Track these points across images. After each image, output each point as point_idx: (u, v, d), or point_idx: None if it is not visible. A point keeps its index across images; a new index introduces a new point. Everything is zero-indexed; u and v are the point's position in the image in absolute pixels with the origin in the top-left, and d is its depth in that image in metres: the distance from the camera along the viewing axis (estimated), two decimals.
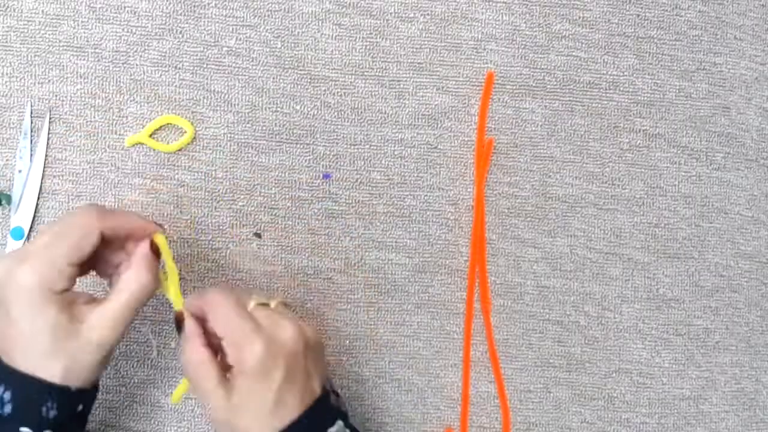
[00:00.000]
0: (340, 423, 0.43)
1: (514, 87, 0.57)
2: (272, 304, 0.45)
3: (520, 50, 0.58)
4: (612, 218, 0.58)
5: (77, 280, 0.42)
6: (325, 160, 0.55)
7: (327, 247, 0.55)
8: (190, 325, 0.43)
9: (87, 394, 0.42)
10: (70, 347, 0.39)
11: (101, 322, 0.40)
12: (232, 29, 0.55)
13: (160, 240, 0.44)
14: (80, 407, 0.42)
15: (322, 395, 0.43)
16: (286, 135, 0.55)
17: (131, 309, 0.41)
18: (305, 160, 0.55)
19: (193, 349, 0.42)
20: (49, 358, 0.39)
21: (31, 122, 0.53)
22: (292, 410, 0.41)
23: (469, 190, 0.57)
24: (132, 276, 0.42)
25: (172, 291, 0.44)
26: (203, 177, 0.54)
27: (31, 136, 0.53)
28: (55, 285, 0.40)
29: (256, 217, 0.55)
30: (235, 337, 0.41)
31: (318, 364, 0.44)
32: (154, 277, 0.42)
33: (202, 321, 0.43)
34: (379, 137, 0.56)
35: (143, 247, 0.43)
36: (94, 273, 0.45)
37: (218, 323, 0.42)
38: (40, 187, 0.53)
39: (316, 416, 0.42)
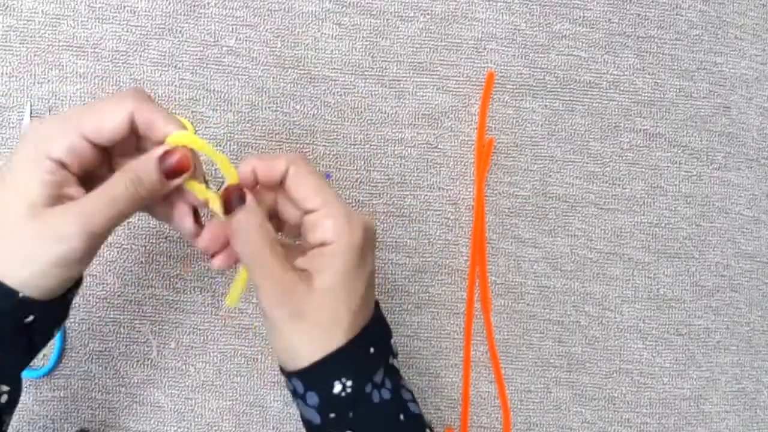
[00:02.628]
0: (379, 343, 0.39)
1: (515, 86, 0.57)
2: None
3: (521, 50, 0.58)
4: (613, 218, 0.58)
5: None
6: (326, 159, 0.55)
7: None
8: (251, 198, 0.36)
9: (39, 305, 0.35)
10: (25, 227, 0.33)
11: (71, 210, 0.34)
12: (232, 29, 0.55)
13: (185, 139, 0.36)
14: (30, 318, 0.35)
15: (377, 302, 0.39)
16: (286, 135, 0.55)
17: (112, 209, 0.35)
18: None
19: (260, 225, 0.35)
20: (4, 240, 0.34)
21: (32, 122, 0.53)
22: (368, 311, 0.37)
23: (469, 189, 0.57)
24: (114, 178, 0.35)
25: (223, 165, 0.37)
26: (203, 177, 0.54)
27: None
28: (52, 147, 0.34)
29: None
30: (334, 210, 0.35)
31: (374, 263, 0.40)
32: (137, 186, 0.35)
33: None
34: (379, 137, 0.56)
35: (153, 152, 0.36)
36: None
37: (310, 188, 0.36)
38: None
39: (382, 323, 0.39)
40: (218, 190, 0.38)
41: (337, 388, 0.36)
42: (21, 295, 0.34)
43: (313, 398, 0.36)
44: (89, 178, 0.36)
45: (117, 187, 0.35)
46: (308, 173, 0.36)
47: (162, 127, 0.35)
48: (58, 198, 0.34)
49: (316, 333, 0.36)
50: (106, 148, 0.36)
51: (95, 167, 0.36)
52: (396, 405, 0.38)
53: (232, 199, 0.37)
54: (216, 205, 0.37)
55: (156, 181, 0.35)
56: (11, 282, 0.33)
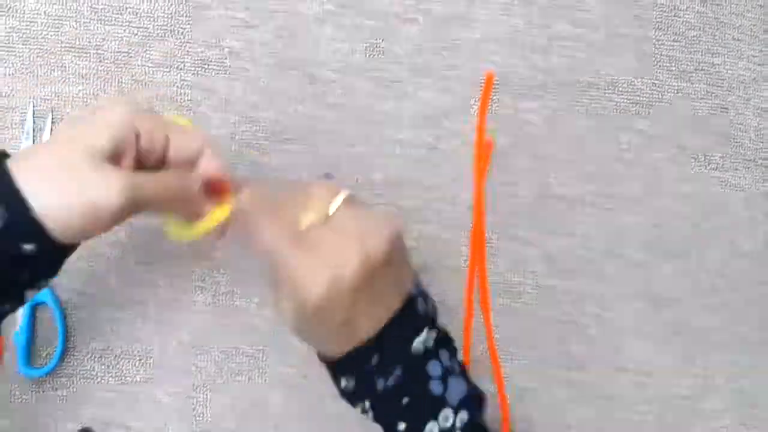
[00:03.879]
0: (425, 330, 0.40)
1: (514, 87, 0.58)
2: (333, 208, 0.39)
3: (520, 51, 0.58)
4: (611, 218, 0.58)
5: None
6: (326, 159, 0.56)
7: None
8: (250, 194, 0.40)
9: (42, 236, 0.35)
10: (82, 167, 0.36)
11: (122, 172, 0.37)
12: (234, 30, 0.55)
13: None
14: (29, 247, 0.35)
15: (407, 302, 0.40)
16: (287, 135, 0.55)
17: (156, 188, 0.38)
18: (306, 160, 0.55)
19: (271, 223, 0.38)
20: (59, 163, 0.36)
21: (34, 123, 0.53)
22: (379, 319, 0.38)
23: (468, 190, 0.57)
24: (171, 173, 0.40)
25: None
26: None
27: (34, 136, 0.53)
28: (139, 121, 0.38)
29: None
30: (289, 275, 0.37)
31: (404, 263, 0.41)
32: (184, 184, 0.40)
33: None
34: (380, 137, 0.56)
35: (203, 167, 0.41)
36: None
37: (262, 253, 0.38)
38: None
39: (399, 327, 0.39)
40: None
41: (343, 383, 0.41)
42: (33, 213, 0.34)
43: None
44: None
45: (167, 176, 0.39)
46: (260, 236, 0.39)
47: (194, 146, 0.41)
48: (115, 160, 0.37)
49: (330, 334, 0.39)
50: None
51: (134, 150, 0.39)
52: (402, 390, 0.39)
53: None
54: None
55: (195, 199, 0.40)
56: (34, 202, 0.34)
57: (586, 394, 0.57)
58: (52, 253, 0.37)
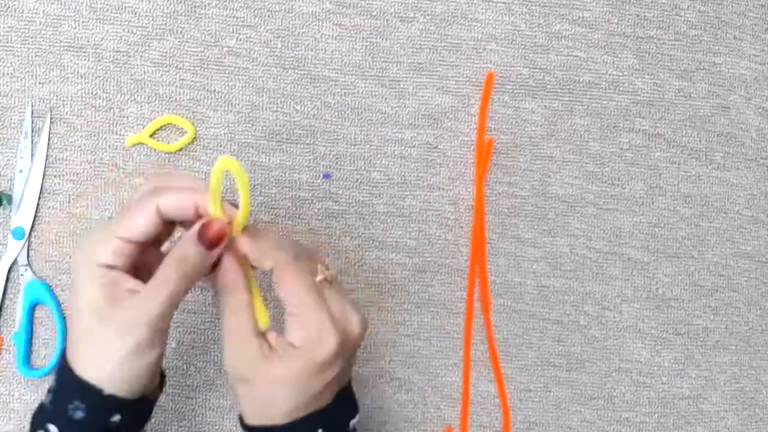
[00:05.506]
0: (358, 415, 0.42)
1: (514, 87, 0.58)
2: (330, 276, 0.40)
3: (520, 50, 0.58)
4: (612, 218, 0.58)
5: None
6: (326, 160, 0.56)
7: (327, 247, 0.55)
8: (231, 259, 0.38)
9: (123, 404, 0.38)
10: (100, 331, 0.37)
11: (131, 304, 0.37)
12: (233, 29, 0.55)
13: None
14: (116, 417, 0.38)
15: (349, 385, 0.42)
16: (287, 135, 0.55)
17: (166, 292, 0.37)
18: (306, 160, 0.55)
19: (236, 288, 0.38)
20: (80, 342, 0.37)
21: (32, 122, 0.53)
22: (322, 399, 0.39)
23: (469, 189, 0.57)
24: (162, 269, 0.37)
25: (244, 200, 0.38)
26: (204, 177, 0.54)
27: (32, 136, 0.53)
28: (99, 256, 0.37)
29: (257, 216, 0.55)
30: (308, 320, 0.38)
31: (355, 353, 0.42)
32: (186, 270, 0.37)
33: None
34: (380, 137, 0.56)
35: (189, 233, 0.38)
36: None
37: (289, 293, 0.38)
38: (41, 187, 0.53)
39: (345, 405, 0.41)
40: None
41: None
42: (105, 393, 0.36)
43: None
44: (145, 267, 0.39)
45: (167, 271, 0.37)
46: (289, 277, 0.38)
47: (191, 207, 0.38)
48: (117, 296, 0.37)
49: (257, 407, 0.39)
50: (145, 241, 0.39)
51: (144, 256, 0.39)
52: None
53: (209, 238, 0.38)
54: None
55: (198, 254, 0.38)
56: (96, 382, 0.36)
57: (586, 394, 0.57)
58: (136, 407, 0.39)
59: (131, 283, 0.38)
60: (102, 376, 0.37)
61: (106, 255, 0.37)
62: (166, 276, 0.37)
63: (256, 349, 0.38)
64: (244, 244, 0.39)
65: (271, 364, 0.38)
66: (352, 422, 0.41)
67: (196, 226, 0.38)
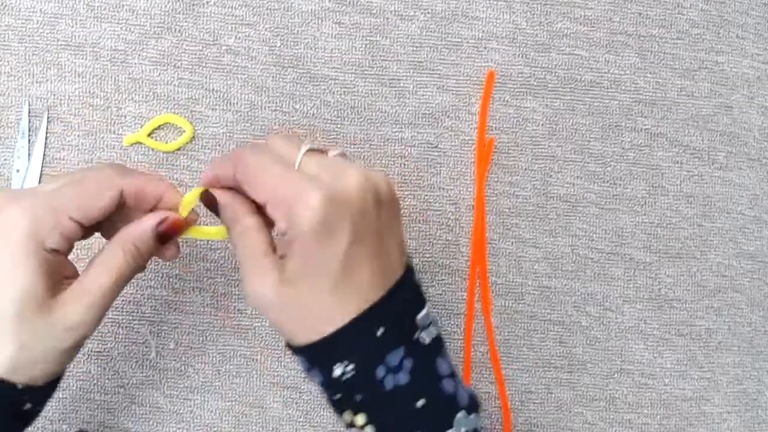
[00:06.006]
0: (427, 306, 0.35)
1: (515, 86, 0.57)
2: (330, 154, 0.35)
3: (521, 49, 0.57)
4: (614, 218, 0.58)
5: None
6: None
7: None
8: (221, 194, 0.35)
9: (38, 392, 0.35)
10: (35, 324, 0.33)
11: (76, 295, 0.33)
12: (231, 28, 0.55)
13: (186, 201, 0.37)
14: (28, 406, 0.35)
15: (407, 270, 0.35)
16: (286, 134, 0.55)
17: (116, 284, 0.34)
18: None
19: (235, 217, 0.35)
20: (3, 335, 0.32)
21: (29, 121, 0.53)
22: (368, 289, 0.33)
23: (469, 189, 0.56)
24: (112, 251, 0.34)
25: (187, 200, 0.38)
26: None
27: (29, 135, 0.53)
28: (46, 237, 0.33)
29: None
30: (279, 193, 0.32)
31: (395, 228, 0.35)
32: (137, 258, 0.35)
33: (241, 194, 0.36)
34: (379, 136, 0.56)
35: (148, 220, 0.36)
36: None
37: (254, 183, 0.34)
38: None
39: (402, 298, 0.34)
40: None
41: (337, 371, 0.34)
42: (20, 386, 0.33)
43: (317, 376, 0.35)
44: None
45: (116, 260, 0.35)
46: (250, 171, 0.34)
47: (154, 193, 0.36)
48: (58, 285, 0.34)
49: (295, 323, 0.34)
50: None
51: (79, 238, 0.36)
52: (415, 389, 0.34)
53: (209, 205, 0.37)
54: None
55: (152, 247, 0.36)
56: (9, 376, 0.33)
57: (588, 396, 0.56)
58: (49, 388, 0.36)
59: (69, 267, 0.35)
60: (24, 374, 0.33)
61: (53, 238, 0.33)
62: (116, 265, 0.34)
63: (269, 267, 0.33)
64: (206, 174, 0.37)
65: (284, 271, 0.33)
66: (420, 315, 0.35)
67: (158, 216, 0.36)
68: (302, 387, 0.54)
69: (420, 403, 0.34)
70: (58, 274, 0.34)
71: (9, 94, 0.53)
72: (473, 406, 0.36)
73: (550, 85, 0.57)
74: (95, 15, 0.54)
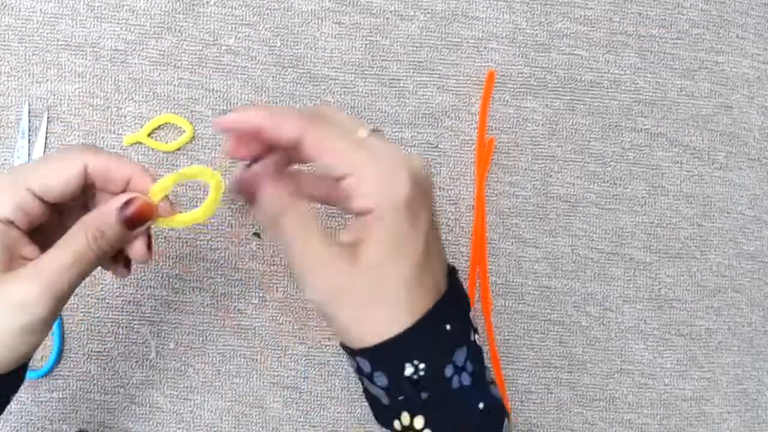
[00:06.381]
0: (472, 309, 0.34)
1: (515, 86, 0.57)
2: (376, 128, 0.33)
3: (521, 49, 0.57)
4: (614, 218, 0.58)
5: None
6: None
7: None
8: (264, 180, 0.31)
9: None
10: None
11: (30, 274, 0.31)
12: (231, 28, 0.55)
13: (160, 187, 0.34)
14: None
15: (452, 265, 0.34)
16: None
17: (75, 268, 0.32)
18: None
19: (287, 204, 0.31)
20: None
21: (29, 121, 0.53)
22: (440, 279, 0.31)
23: (469, 189, 0.56)
24: (74, 233, 0.32)
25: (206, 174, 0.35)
26: None
27: (29, 135, 0.53)
28: (0, 206, 0.31)
29: (256, 216, 0.54)
30: (366, 168, 0.30)
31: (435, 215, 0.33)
32: (100, 243, 0.33)
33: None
34: None
35: (112, 203, 0.33)
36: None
37: (334, 154, 0.30)
38: None
39: (460, 292, 0.33)
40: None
41: (409, 370, 0.32)
42: None
43: (381, 379, 0.33)
44: (37, 233, 0.34)
45: (78, 243, 0.32)
46: (326, 137, 0.31)
47: (121, 173, 0.33)
48: (11, 260, 0.32)
49: (370, 314, 0.31)
50: (55, 203, 0.34)
51: (43, 222, 0.34)
52: (477, 391, 0.33)
53: (249, 183, 0.32)
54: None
55: (118, 233, 0.33)
56: None
57: (588, 396, 0.56)
58: (10, 379, 0.34)
59: (29, 249, 0.33)
60: None
61: (10, 208, 0.32)
62: (78, 249, 0.32)
63: (338, 255, 0.30)
64: (256, 115, 0.31)
65: (359, 257, 0.30)
66: (472, 314, 0.33)
67: (119, 201, 0.33)
68: (302, 387, 0.54)
69: (481, 405, 0.33)
70: (13, 248, 0.32)
71: (9, 94, 0.53)
72: (506, 414, 0.36)
73: (550, 85, 0.57)
74: (95, 15, 0.54)
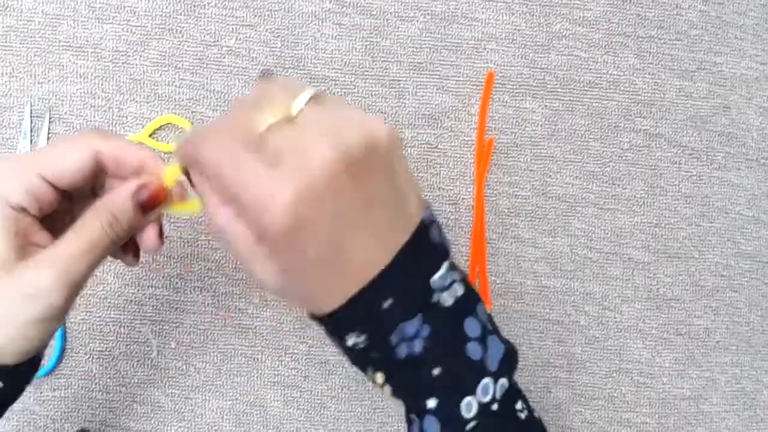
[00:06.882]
0: (445, 265, 0.31)
1: (515, 86, 0.57)
2: (297, 106, 0.29)
3: (521, 50, 0.58)
4: (612, 218, 0.58)
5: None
6: None
7: None
8: (198, 181, 0.30)
9: (10, 371, 0.32)
10: (4, 290, 0.31)
11: (46, 261, 0.31)
12: (232, 29, 0.55)
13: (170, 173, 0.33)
14: None
15: (420, 227, 0.31)
16: None
17: (90, 254, 0.32)
18: None
19: (214, 211, 0.30)
20: None
21: (31, 122, 0.53)
22: (365, 262, 0.29)
23: (469, 189, 0.57)
24: (87, 218, 0.32)
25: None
26: None
27: (31, 136, 0.53)
28: (10, 194, 0.31)
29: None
30: (243, 196, 0.28)
31: (399, 181, 0.30)
32: (114, 227, 0.32)
33: None
34: None
35: (126, 187, 0.32)
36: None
37: (215, 185, 0.29)
38: None
39: (411, 263, 0.30)
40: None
41: (350, 341, 0.31)
42: None
43: (334, 342, 0.32)
44: (47, 220, 0.34)
45: (93, 230, 0.32)
46: (206, 169, 0.29)
47: (133, 158, 0.33)
48: (24, 248, 0.32)
49: (303, 302, 0.32)
50: (66, 190, 0.33)
51: (54, 210, 0.34)
52: (431, 357, 0.31)
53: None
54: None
55: (132, 218, 0.33)
56: None
57: (587, 395, 0.57)
58: (24, 370, 0.33)
59: (41, 236, 0.32)
60: None
61: (19, 193, 0.31)
62: (93, 236, 0.32)
63: (262, 255, 0.30)
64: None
65: (272, 261, 0.29)
66: (435, 277, 0.31)
67: (132, 185, 0.32)
68: (303, 386, 0.54)
69: (436, 371, 0.31)
70: (26, 235, 0.32)
71: (11, 94, 0.53)
72: (505, 369, 0.33)
73: (549, 86, 0.58)
74: (97, 16, 0.54)
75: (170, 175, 0.34)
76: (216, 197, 0.30)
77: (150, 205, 0.33)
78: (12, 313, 0.31)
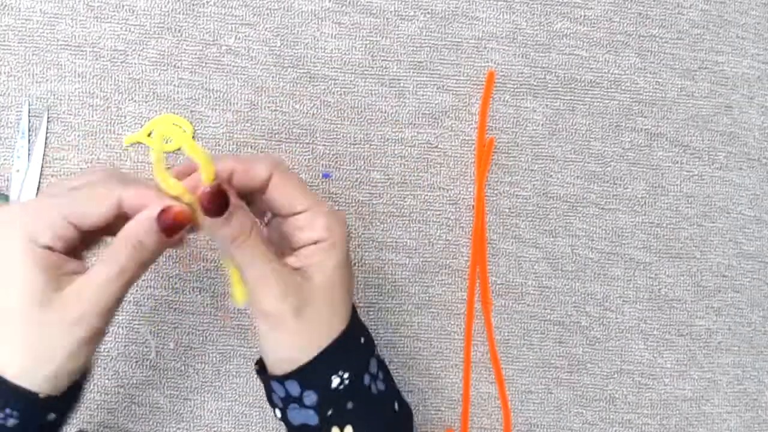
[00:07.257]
0: (366, 333, 0.41)
1: (515, 86, 0.57)
2: None
3: (521, 49, 0.57)
4: (614, 218, 0.58)
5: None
6: (325, 159, 0.55)
7: None
8: (235, 197, 0.34)
9: (59, 400, 0.35)
10: (40, 321, 0.32)
11: (80, 290, 0.33)
12: (231, 28, 0.55)
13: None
14: (51, 416, 0.35)
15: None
16: (286, 134, 0.55)
17: (120, 279, 0.34)
18: (305, 160, 0.55)
19: (250, 222, 0.35)
20: (12, 341, 0.32)
21: (29, 121, 0.53)
22: (350, 302, 0.39)
23: (469, 189, 0.56)
24: (116, 245, 0.34)
25: (206, 166, 0.34)
26: None
27: (29, 135, 0.53)
28: (39, 236, 0.33)
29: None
30: (320, 207, 0.37)
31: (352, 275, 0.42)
32: (141, 251, 0.34)
33: None
34: (379, 136, 0.56)
35: (147, 212, 0.34)
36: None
37: (295, 192, 0.37)
38: (38, 186, 0.52)
39: (357, 314, 0.40)
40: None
41: (335, 382, 0.37)
42: (42, 396, 0.33)
43: (311, 397, 0.37)
44: (73, 249, 0.36)
45: (121, 255, 0.34)
46: (291, 177, 0.38)
47: (156, 205, 0.35)
48: (58, 279, 0.33)
49: (317, 326, 0.37)
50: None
51: (79, 242, 0.36)
52: (391, 395, 0.40)
53: (217, 202, 0.34)
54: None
55: (157, 241, 0.34)
56: (30, 384, 0.33)
57: (588, 396, 0.56)
58: (70, 398, 0.36)
59: (71, 264, 0.34)
60: (38, 376, 0.33)
61: (47, 236, 0.33)
62: (121, 261, 0.34)
63: (294, 273, 0.36)
64: (230, 161, 0.36)
65: (313, 276, 0.37)
66: (362, 339, 0.40)
67: (156, 207, 0.34)
68: None
69: (396, 406, 0.39)
70: (57, 268, 0.33)
71: (9, 94, 0.53)
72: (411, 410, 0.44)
73: (550, 85, 0.57)
74: (95, 15, 0.54)
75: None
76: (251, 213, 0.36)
77: (172, 227, 0.34)
78: (58, 345, 0.33)
